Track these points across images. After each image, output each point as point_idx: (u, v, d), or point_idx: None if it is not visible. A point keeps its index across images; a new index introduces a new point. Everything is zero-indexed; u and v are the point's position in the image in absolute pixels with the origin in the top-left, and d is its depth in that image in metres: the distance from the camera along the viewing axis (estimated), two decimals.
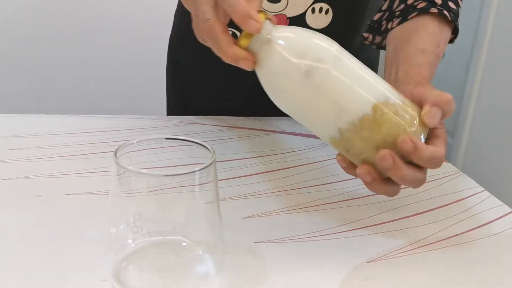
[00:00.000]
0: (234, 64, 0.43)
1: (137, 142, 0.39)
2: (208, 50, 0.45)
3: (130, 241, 0.39)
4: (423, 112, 0.45)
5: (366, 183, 0.46)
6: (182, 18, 0.81)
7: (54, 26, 1.63)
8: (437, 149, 0.45)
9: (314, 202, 0.55)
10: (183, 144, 0.42)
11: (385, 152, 0.43)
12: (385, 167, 0.43)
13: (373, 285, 0.42)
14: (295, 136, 0.72)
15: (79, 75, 1.70)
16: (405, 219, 0.53)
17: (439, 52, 0.58)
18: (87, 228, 0.47)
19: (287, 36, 0.43)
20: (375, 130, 0.43)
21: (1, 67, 1.63)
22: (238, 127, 0.73)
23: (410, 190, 0.59)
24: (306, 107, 0.43)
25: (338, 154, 0.47)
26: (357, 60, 0.45)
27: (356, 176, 0.46)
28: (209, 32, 0.42)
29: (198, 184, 0.37)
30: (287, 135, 0.72)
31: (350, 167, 0.47)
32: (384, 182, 0.45)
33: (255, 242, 0.47)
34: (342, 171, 0.48)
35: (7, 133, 0.65)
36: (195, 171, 0.37)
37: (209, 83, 0.81)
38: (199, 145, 0.40)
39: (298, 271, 0.43)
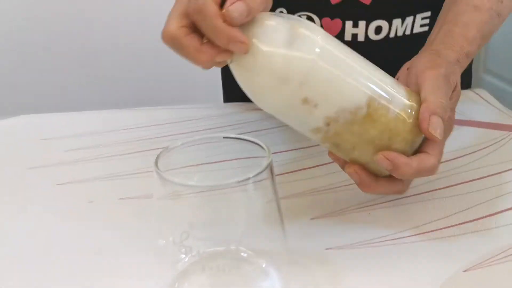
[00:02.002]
0: (224, 45, 0.35)
1: (181, 144, 0.34)
2: None
3: (183, 255, 0.35)
4: (420, 117, 0.39)
5: (357, 185, 0.41)
6: None
7: (103, 20, 1.64)
8: (424, 157, 0.39)
9: (394, 196, 0.47)
10: (234, 140, 0.36)
11: (351, 169, 0.40)
12: (355, 182, 0.41)
13: None
14: None
15: (131, 67, 1.70)
16: (505, 212, 0.45)
17: (501, 9, 0.49)
18: (138, 237, 0.43)
19: (268, 25, 0.37)
20: (368, 125, 0.38)
21: (52, 63, 1.66)
22: None
23: (509, 176, 0.50)
24: (291, 102, 0.37)
25: (330, 152, 0.42)
26: (351, 49, 0.39)
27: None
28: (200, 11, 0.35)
29: (253, 183, 0.32)
30: None
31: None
32: (380, 182, 0.41)
33: (327, 249, 0.41)
34: None
35: (63, 133, 0.63)
36: (249, 178, 0.31)
37: None
38: (252, 143, 0.34)
39: (380, 284, 0.37)
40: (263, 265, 0.36)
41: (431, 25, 0.62)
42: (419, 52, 0.46)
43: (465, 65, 0.46)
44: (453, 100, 0.43)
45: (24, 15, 1.56)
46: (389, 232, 0.42)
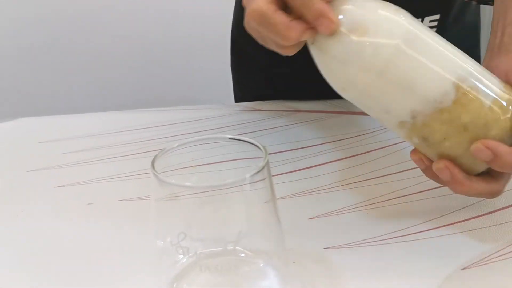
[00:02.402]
0: (313, 19, 0.34)
1: (177, 146, 0.34)
2: None
3: (180, 256, 0.35)
4: None
5: (448, 184, 0.38)
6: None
7: (106, 21, 1.64)
8: None
9: (392, 195, 0.47)
10: (232, 141, 0.36)
11: (441, 164, 0.36)
12: (444, 180, 0.36)
13: None
14: (364, 116, 0.64)
15: (133, 69, 1.69)
16: (505, 209, 0.44)
17: None
18: (137, 239, 0.43)
19: (345, 9, 0.35)
20: (459, 111, 0.36)
21: (52, 66, 1.66)
22: (301, 111, 0.66)
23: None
24: (372, 92, 0.36)
25: (413, 151, 0.39)
26: (433, 32, 0.37)
27: (439, 180, 0.38)
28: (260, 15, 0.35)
29: (250, 184, 0.32)
30: (355, 115, 0.64)
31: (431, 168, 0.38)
32: (474, 180, 0.37)
33: (325, 248, 0.41)
34: None
35: (61, 136, 0.63)
36: (245, 178, 0.31)
37: (277, 68, 0.75)
38: (249, 144, 0.34)
39: (378, 283, 0.37)
40: (261, 265, 0.36)
41: (439, 27, 0.62)
42: (486, 56, 0.43)
43: None
44: None
45: (23, 18, 1.56)
46: (387, 231, 0.42)
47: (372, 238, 0.42)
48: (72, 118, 0.68)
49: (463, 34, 0.60)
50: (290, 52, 0.37)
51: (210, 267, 0.33)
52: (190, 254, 0.32)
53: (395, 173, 0.51)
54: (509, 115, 0.36)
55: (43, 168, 0.56)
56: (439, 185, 0.48)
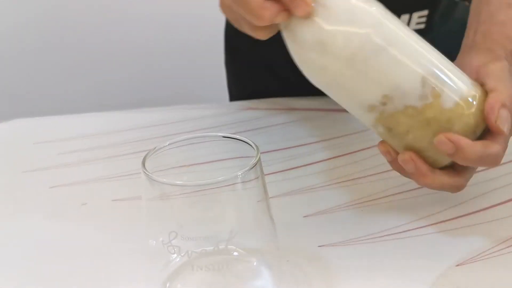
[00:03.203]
0: (290, 4, 0.34)
1: (168, 145, 0.34)
2: None
3: (173, 255, 0.34)
4: (486, 108, 0.37)
5: (412, 176, 0.38)
6: None
7: (101, 22, 1.63)
8: (489, 144, 0.36)
9: (386, 192, 0.47)
10: (224, 140, 0.36)
11: (406, 156, 0.37)
12: (408, 172, 0.37)
13: None
14: None
15: (130, 69, 1.69)
16: (499, 206, 0.44)
17: None
18: (131, 239, 0.43)
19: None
20: (425, 108, 0.36)
21: (44, 67, 1.66)
22: (296, 109, 0.66)
23: (504, 169, 0.50)
24: (341, 80, 0.36)
25: (381, 143, 0.39)
26: (405, 25, 0.37)
27: (404, 173, 0.38)
28: None
29: (242, 182, 0.32)
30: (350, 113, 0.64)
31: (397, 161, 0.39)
32: (438, 173, 0.37)
33: (319, 246, 0.41)
34: None
35: (56, 137, 0.63)
36: (237, 176, 0.31)
37: (271, 65, 0.74)
38: (241, 141, 0.34)
39: (373, 280, 0.37)
40: (255, 264, 0.36)
41: (428, 23, 0.62)
42: (460, 53, 0.44)
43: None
44: None
45: (18, 19, 1.56)
46: (381, 228, 0.42)
47: (367, 235, 0.42)
48: (66, 119, 0.68)
49: (452, 31, 0.60)
50: (263, 36, 0.37)
51: (203, 266, 0.33)
52: (182, 254, 0.32)
53: (389, 170, 0.51)
54: (473, 110, 0.37)
55: (38, 169, 0.55)
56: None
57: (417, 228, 0.42)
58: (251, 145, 0.33)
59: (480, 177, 0.49)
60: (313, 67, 0.37)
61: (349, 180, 0.50)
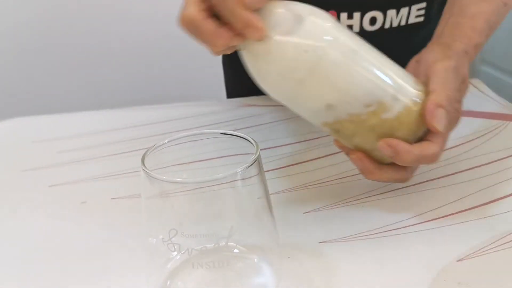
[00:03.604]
0: (241, 29, 0.35)
1: (167, 142, 0.34)
2: None
3: (174, 253, 0.34)
4: (425, 109, 0.39)
5: (361, 172, 0.41)
6: None
7: (98, 20, 1.63)
8: (426, 145, 0.39)
9: (387, 188, 0.47)
10: (223, 136, 0.36)
11: (354, 155, 0.41)
12: (358, 169, 0.41)
13: None
14: None
15: (128, 67, 1.69)
16: (499, 201, 0.44)
17: None
18: (131, 236, 0.43)
19: (275, 13, 0.37)
20: (370, 115, 0.38)
21: (42, 65, 1.65)
22: None
23: (504, 164, 0.50)
24: (297, 91, 0.38)
25: (336, 140, 0.42)
26: (359, 37, 0.39)
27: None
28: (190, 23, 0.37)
29: (242, 179, 0.31)
30: None
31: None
32: (384, 169, 0.41)
33: (320, 243, 0.40)
34: None
35: (55, 135, 0.62)
36: (236, 173, 0.31)
37: None
38: (241, 138, 0.34)
39: (374, 276, 0.37)
40: (256, 261, 0.36)
41: (426, 16, 0.62)
42: (428, 45, 0.46)
43: (473, 57, 0.46)
44: (462, 92, 0.43)
45: (15, 18, 1.56)
46: (382, 224, 0.42)
47: (367, 231, 0.41)
48: (65, 117, 0.68)
49: None
50: (220, 54, 0.38)
51: (203, 264, 0.33)
52: (182, 251, 0.31)
53: None
54: (413, 117, 0.39)
55: (37, 168, 0.55)
56: (434, 178, 0.48)
57: (418, 223, 0.42)
58: (250, 142, 0.33)
59: (480, 172, 0.49)
60: (270, 81, 0.38)
61: (349, 176, 0.49)
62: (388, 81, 0.38)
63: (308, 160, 0.53)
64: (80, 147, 0.59)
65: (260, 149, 0.32)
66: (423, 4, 0.61)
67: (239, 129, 0.60)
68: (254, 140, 0.33)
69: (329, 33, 0.37)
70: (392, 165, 0.41)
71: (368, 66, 0.38)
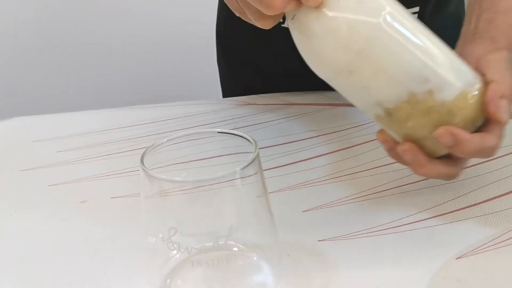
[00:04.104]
0: None
1: (166, 141, 0.34)
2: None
3: (174, 252, 0.34)
4: (485, 99, 0.37)
5: (410, 165, 0.39)
6: None
7: (97, 20, 1.63)
8: (487, 136, 0.37)
9: (386, 186, 0.47)
10: (222, 135, 0.36)
11: (406, 146, 0.38)
12: (407, 161, 0.38)
13: None
14: (356, 108, 0.64)
15: (126, 67, 1.68)
16: (498, 198, 0.44)
17: None
18: (131, 236, 0.43)
19: None
20: (428, 97, 0.37)
21: (41, 65, 1.65)
22: (294, 104, 0.66)
23: (503, 162, 0.50)
24: (350, 70, 0.36)
25: (380, 132, 0.40)
26: (413, 17, 0.37)
27: (402, 161, 0.39)
28: None
29: (241, 178, 0.31)
30: (347, 108, 0.64)
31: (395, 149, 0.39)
32: (435, 163, 0.38)
33: (319, 241, 0.41)
34: None
35: (54, 135, 0.62)
36: (235, 172, 0.31)
37: (263, 59, 0.74)
38: (239, 137, 0.34)
39: (373, 274, 0.37)
40: (255, 259, 0.36)
41: (419, 19, 0.62)
42: (463, 41, 0.44)
43: None
44: None
45: (15, 18, 1.55)
46: (381, 222, 0.42)
47: (367, 229, 0.42)
48: (64, 117, 0.68)
49: (445, 25, 0.60)
50: (267, 25, 0.36)
51: (203, 262, 0.33)
52: (182, 250, 0.32)
53: (388, 164, 0.51)
54: (473, 102, 0.37)
55: (36, 167, 0.55)
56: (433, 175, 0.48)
57: (417, 221, 0.42)
58: (249, 141, 0.33)
59: (480, 169, 0.49)
60: (320, 58, 0.36)
61: (348, 174, 0.50)
62: (446, 60, 0.37)
63: (306, 158, 0.53)
64: (79, 147, 0.59)
65: (259, 148, 0.32)
66: (416, 9, 0.61)
67: (238, 127, 0.60)
68: (253, 138, 0.33)
69: (384, 9, 0.35)
70: (443, 159, 0.39)
71: (426, 44, 0.36)
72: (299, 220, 0.43)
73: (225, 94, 0.84)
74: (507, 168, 0.49)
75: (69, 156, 0.57)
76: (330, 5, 0.35)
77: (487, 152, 0.38)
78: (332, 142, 0.56)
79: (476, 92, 0.37)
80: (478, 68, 0.39)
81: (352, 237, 0.41)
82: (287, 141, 0.57)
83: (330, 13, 0.35)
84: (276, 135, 0.58)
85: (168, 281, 0.35)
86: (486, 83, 0.38)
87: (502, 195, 0.45)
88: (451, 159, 0.39)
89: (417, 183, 0.47)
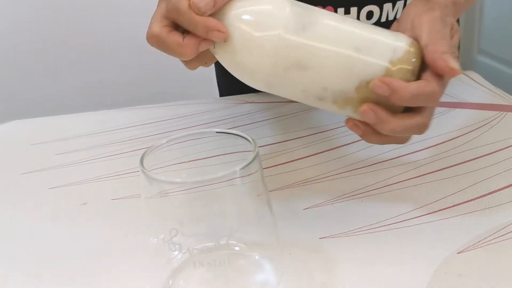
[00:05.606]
0: (204, 35, 0.36)
1: (166, 142, 0.34)
2: None
3: (175, 252, 0.34)
4: (431, 58, 0.37)
5: (376, 126, 0.38)
6: None
7: (95, 21, 1.63)
8: (423, 83, 0.36)
9: (387, 182, 0.47)
10: (221, 135, 0.36)
11: (364, 107, 0.37)
12: (370, 122, 0.37)
13: (468, 282, 0.35)
14: None
15: (123, 68, 1.68)
16: (498, 192, 0.44)
17: None
18: (132, 237, 0.43)
19: (239, 6, 0.37)
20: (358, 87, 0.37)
21: (39, 67, 1.65)
22: (292, 102, 0.66)
23: (502, 155, 0.50)
24: (276, 79, 0.37)
25: (348, 120, 0.39)
26: (322, 10, 0.38)
27: (376, 138, 0.39)
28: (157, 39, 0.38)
29: (241, 177, 0.31)
30: None
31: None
32: (399, 116, 0.37)
33: (320, 238, 0.41)
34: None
35: (53, 137, 0.62)
36: (235, 171, 0.31)
37: None
38: (238, 136, 0.34)
39: (375, 270, 0.37)
40: (257, 258, 0.36)
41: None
42: (408, 4, 0.45)
43: (455, 13, 0.44)
44: (454, 38, 0.41)
45: (12, 19, 1.55)
46: (382, 218, 0.42)
47: (368, 226, 0.42)
48: (63, 119, 0.68)
49: None
50: (195, 66, 0.40)
51: (204, 263, 0.33)
52: (183, 251, 0.32)
53: (388, 160, 0.51)
54: (400, 66, 0.37)
55: (36, 170, 0.55)
56: (433, 170, 0.48)
57: (417, 217, 0.42)
58: (248, 140, 0.33)
59: (479, 164, 0.49)
60: (248, 72, 0.38)
61: (348, 171, 0.50)
62: (364, 43, 0.37)
63: (306, 156, 0.53)
64: (79, 149, 0.59)
65: (258, 147, 0.32)
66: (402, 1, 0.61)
67: (236, 126, 0.60)
68: (252, 138, 0.33)
69: (283, 19, 0.36)
70: (405, 112, 0.38)
71: (339, 36, 0.37)
72: (300, 218, 0.43)
73: (222, 93, 0.84)
74: (506, 161, 0.49)
75: (69, 158, 0.57)
76: (234, 34, 0.36)
77: (427, 98, 0.37)
78: (331, 139, 0.56)
79: (409, 62, 0.37)
80: (413, 29, 0.39)
81: (354, 234, 0.41)
82: (286, 139, 0.57)
83: (236, 44, 0.36)
84: (275, 133, 0.58)
85: (170, 282, 0.35)
86: (420, 47, 0.38)
87: (502, 188, 0.45)
88: (413, 110, 0.38)
89: (417, 179, 0.47)
